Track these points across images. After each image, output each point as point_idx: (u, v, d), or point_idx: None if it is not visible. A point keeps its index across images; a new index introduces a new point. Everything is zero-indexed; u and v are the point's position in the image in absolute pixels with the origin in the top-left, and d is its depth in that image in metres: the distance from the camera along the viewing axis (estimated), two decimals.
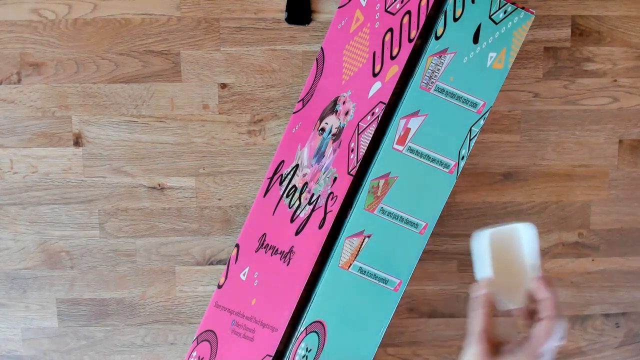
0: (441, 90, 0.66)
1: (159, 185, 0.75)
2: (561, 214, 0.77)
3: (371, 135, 0.68)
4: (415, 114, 0.66)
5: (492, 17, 0.66)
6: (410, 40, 0.67)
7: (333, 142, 0.68)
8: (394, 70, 0.68)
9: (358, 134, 0.68)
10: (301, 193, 0.68)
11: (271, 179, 0.68)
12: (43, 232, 0.75)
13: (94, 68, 0.73)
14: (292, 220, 0.68)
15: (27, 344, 0.76)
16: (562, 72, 0.75)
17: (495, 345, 0.56)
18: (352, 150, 0.68)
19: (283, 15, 0.73)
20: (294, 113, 0.68)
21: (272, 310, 0.69)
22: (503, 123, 0.76)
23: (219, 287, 0.69)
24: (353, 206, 0.68)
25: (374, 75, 0.68)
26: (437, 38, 0.66)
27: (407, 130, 0.66)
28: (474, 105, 0.66)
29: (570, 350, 0.80)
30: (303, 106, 0.68)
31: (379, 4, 0.67)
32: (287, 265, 0.69)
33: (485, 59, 0.66)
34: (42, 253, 0.75)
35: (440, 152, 0.67)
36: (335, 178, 0.68)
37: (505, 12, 0.66)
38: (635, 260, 0.79)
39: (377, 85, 0.68)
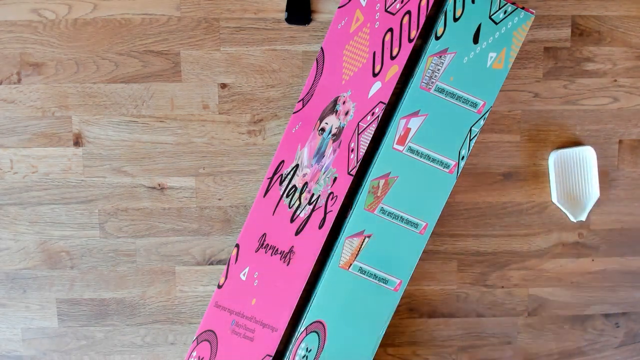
0: (441, 90, 0.66)
1: (159, 185, 0.75)
2: (561, 214, 0.77)
3: (371, 135, 0.68)
4: (415, 114, 0.66)
5: (492, 17, 0.66)
6: (410, 40, 0.67)
7: (333, 142, 0.68)
8: (394, 70, 0.68)
9: (358, 134, 0.68)
10: (301, 193, 0.68)
11: (271, 179, 0.68)
12: (43, 232, 0.75)
13: (94, 68, 0.73)
14: (292, 220, 0.68)
15: (27, 344, 0.76)
16: (562, 72, 0.75)
17: None
18: (352, 150, 0.68)
19: (283, 15, 0.73)
20: (294, 113, 0.68)
21: (272, 310, 0.69)
22: (503, 123, 0.76)
23: (219, 287, 0.69)
24: (353, 206, 0.68)
25: (374, 75, 0.68)
26: (437, 38, 0.66)
27: (407, 130, 0.66)
28: (474, 105, 0.66)
29: (570, 350, 0.80)
30: (303, 106, 0.68)
31: (379, 4, 0.67)
32: (287, 265, 0.69)
33: (485, 59, 0.66)
34: (42, 253, 0.75)
35: (440, 152, 0.67)
36: (335, 178, 0.68)
37: (505, 12, 0.66)
38: (635, 260, 0.79)
39: (377, 85, 0.68)
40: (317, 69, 0.67)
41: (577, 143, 0.76)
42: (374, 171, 0.67)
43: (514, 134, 0.76)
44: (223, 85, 0.74)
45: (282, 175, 0.68)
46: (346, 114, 0.68)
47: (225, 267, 0.70)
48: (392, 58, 0.67)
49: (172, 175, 0.75)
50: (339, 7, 0.67)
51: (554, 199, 0.75)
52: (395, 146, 0.67)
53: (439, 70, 0.66)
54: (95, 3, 0.72)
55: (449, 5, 0.66)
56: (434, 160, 0.67)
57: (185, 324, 0.77)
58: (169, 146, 0.74)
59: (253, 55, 0.73)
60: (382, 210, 0.67)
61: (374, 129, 0.68)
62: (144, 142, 0.74)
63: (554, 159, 0.74)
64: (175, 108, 0.74)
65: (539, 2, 0.74)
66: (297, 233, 0.69)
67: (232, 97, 0.74)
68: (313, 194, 0.68)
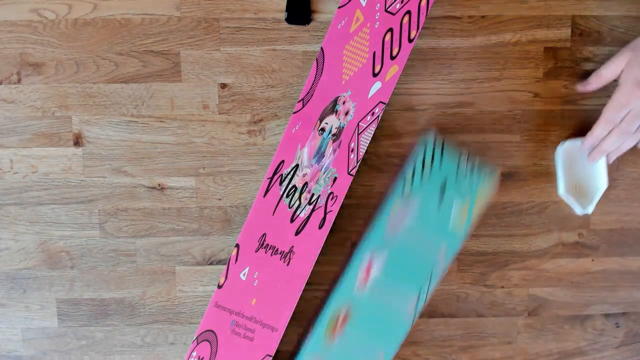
0: (407, 233, 0.67)
1: (159, 185, 0.75)
2: (561, 214, 0.77)
3: (371, 135, 0.68)
4: (379, 251, 0.67)
5: (459, 170, 0.67)
6: (410, 40, 0.67)
7: (333, 142, 0.68)
8: (394, 70, 0.68)
9: (358, 134, 0.68)
10: (301, 193, 0.68)
11: (271, 179, 0.68)
12: (43, 232, 0.75)
13: (94, 68, 0.73)
14: (292, 220, 0.68)
15: (27, 344, 0.76)
16: (562, 72, 0.75)
17: None
18: (352, 150, 0.68)
19: (283, 15, 0.73)
20: (294, 113, 0.68)
21: (272, 310, 0.69)
22: (503, 123, 0.76)
23: (219, 287, 0.69)
24: (311, 334, 0.68)
25: (374, 75, 0.68)
26: (404, 187, 0.67)
27: (370, 265, 0.67)
28: (438, 246, 0.67)
29: (570, 350, 0.80)
30: (303, 106, 0.68)
31: (379, 4, 0.67)
32: (287, 265, 0.69)
33: (450, 210, 0.67)
34: (42, 253, 0.75)
35: (402, 288, 0.68)
36: (335, 178, 0.68)
37: (472, 166, 0.68)
38: (635, 260, 0.79)
39: (377, 85, 0.68)
40: (317, 69, 0.67)
41: None
42: (334, 304, 0.68)
43: (514, 134, 0.76)
44: (223, 85, 0.74)
45: (282, 175, 0.68)
46: (346, 114, 0.68)
47: (225, 267, 0.70)
48: (392, 58, 0.68)
49: (172, 175, 0.75)
50: (339, 7, 0.67)
51: (561, 192, 0.75)
52: (358, 280, 0.68)
53: (404, 216, 0.67)
54: (95, 3, 0.72)
55: (418, 157, 0.67)
56: (394, 295, 0.68)
57: (185, 324, 0.77)
58: (169, 146, 0.74)
59: (253, 55, 0.73)
60: (341, 339, 0.68)
61: (374, 129, 0.68)
62: (144, 142, 0.74)
63: (563, 150, 0.74)
64: (175, 108, 0.74)
65: (539, 2, 0.74)
66: (297, 233, 0.69)
67: (232, 97, 0.74)
68: (313, 194, 0.68)
